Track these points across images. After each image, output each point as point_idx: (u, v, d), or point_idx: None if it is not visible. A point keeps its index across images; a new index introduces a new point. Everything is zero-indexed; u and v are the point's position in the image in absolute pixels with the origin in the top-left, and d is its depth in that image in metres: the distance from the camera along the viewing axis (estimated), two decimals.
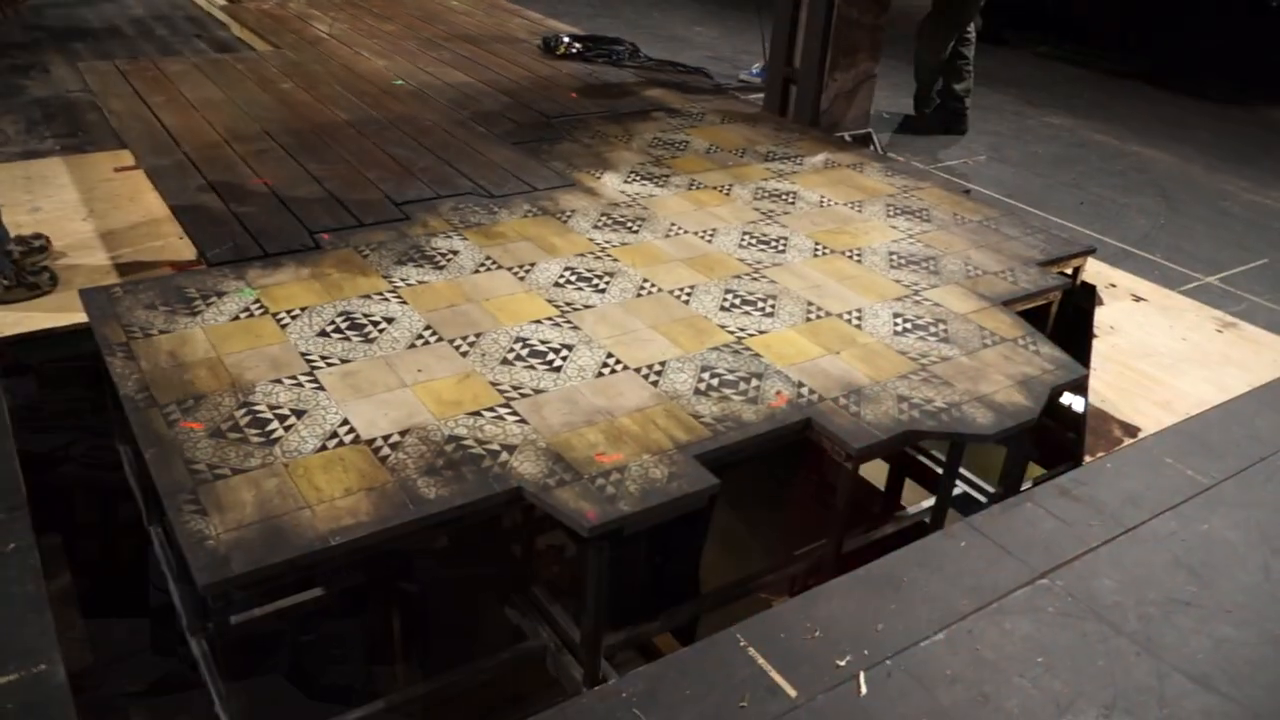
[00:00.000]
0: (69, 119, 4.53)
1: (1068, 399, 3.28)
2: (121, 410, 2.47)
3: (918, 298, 3.23)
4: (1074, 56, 7.67)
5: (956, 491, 3.22)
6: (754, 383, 2.67)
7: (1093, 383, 3.06)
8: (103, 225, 3.45)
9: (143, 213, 3.55)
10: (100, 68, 5.10)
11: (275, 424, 2.34)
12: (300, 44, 5.82)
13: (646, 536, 2.52)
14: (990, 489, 3.30)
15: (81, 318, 2.83)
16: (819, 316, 3.06)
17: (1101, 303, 3.61)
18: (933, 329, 3.04)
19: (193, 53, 5.86)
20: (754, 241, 3.55)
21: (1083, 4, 7.93)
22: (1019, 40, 7.87)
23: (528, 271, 3.20)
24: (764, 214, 3.80)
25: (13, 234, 3.12)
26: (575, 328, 2.88)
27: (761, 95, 5.40)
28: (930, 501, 3.32)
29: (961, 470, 3.24)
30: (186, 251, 3.26)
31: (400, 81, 5.17)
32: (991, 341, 2.99)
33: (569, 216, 3.64)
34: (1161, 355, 3.29)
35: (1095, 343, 3.34)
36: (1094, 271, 3.78)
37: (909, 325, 3.05)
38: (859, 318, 3.07)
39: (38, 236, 3.23)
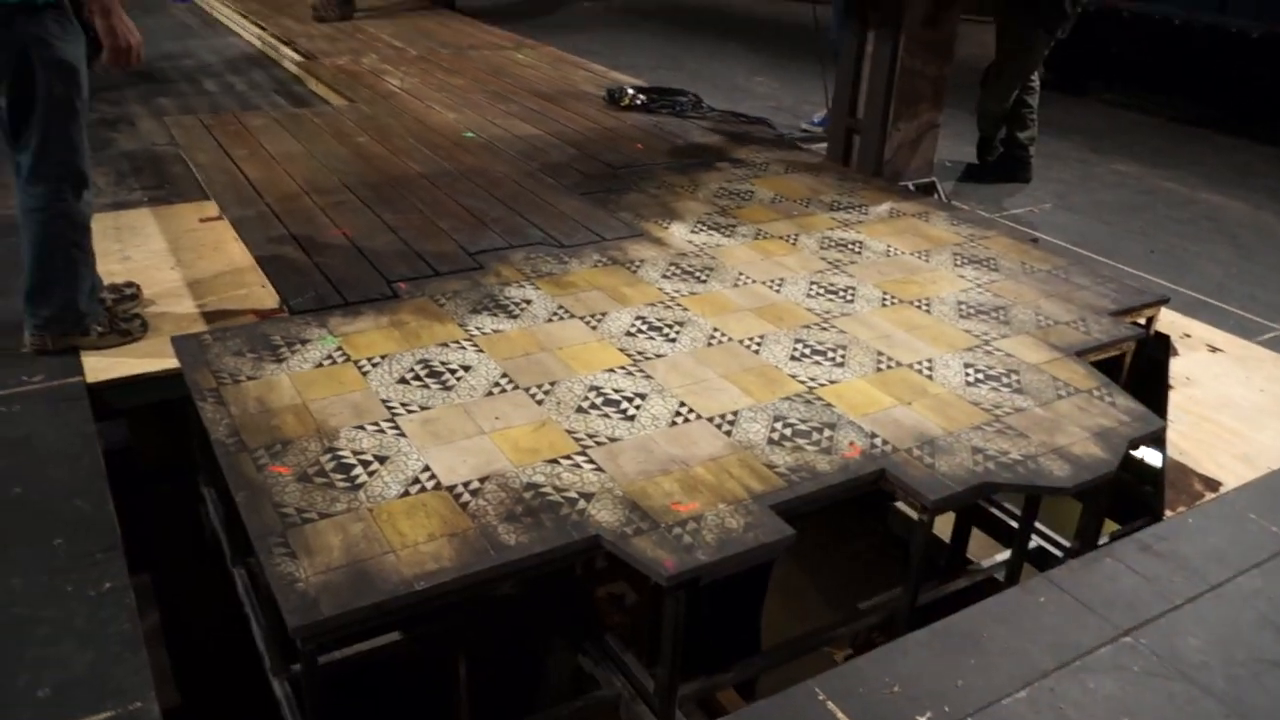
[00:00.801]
0: (155, 171, 4.72)
1: (1142, 452, 3.22)
2: (208, 453, 2.55)
3: (989, 348, 3.22)
4: (1138, 103, 7.62)
5: (1030, 545, 3.17)
6: (826, 433, 2.68)
7: (1170, 435, 3.02)
8: (189, 274, 3.58)
9: (226, 262, 3.68)
10: (185, 122, 5.31)
11: (359, 469, 2.40)
12: (374, 98, 6.01)
13: (714, 587, 2.52)
14: (1065, 543, 3.24)
15: (170, 363, 2.92)
16: (890, 366, 3.07)
17: (1176, 353, 3.55)
18: (1005, 380, 3.02)
19: (271, 107, 6.07)
20: (822, 291, 3.57)
21: (1148, 51, 7.88)
22: (1091, 89, 7.84)
23: (599, 320, 3.25)
24: (831, 263, 3.82)
25: (105, 282, 3.25)
26: (648, 377, 2.92)
27: (824, 145, 5.45)
28: (1003, 555, 3.27)
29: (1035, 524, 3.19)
30: (269, 300, 3.37)
31: (470, 134, 5.30)
32: (1066, 393, 2.96)
33: (638, 266, 3.69)
34: (1240, 407, 3.23)
35: (1171, 394, 3.29)
36: (1167, 321, 3.73)
37: (981, 376, 3.04)
38: (930, 368, 3.07)
39: (129, 284, 3.36)
